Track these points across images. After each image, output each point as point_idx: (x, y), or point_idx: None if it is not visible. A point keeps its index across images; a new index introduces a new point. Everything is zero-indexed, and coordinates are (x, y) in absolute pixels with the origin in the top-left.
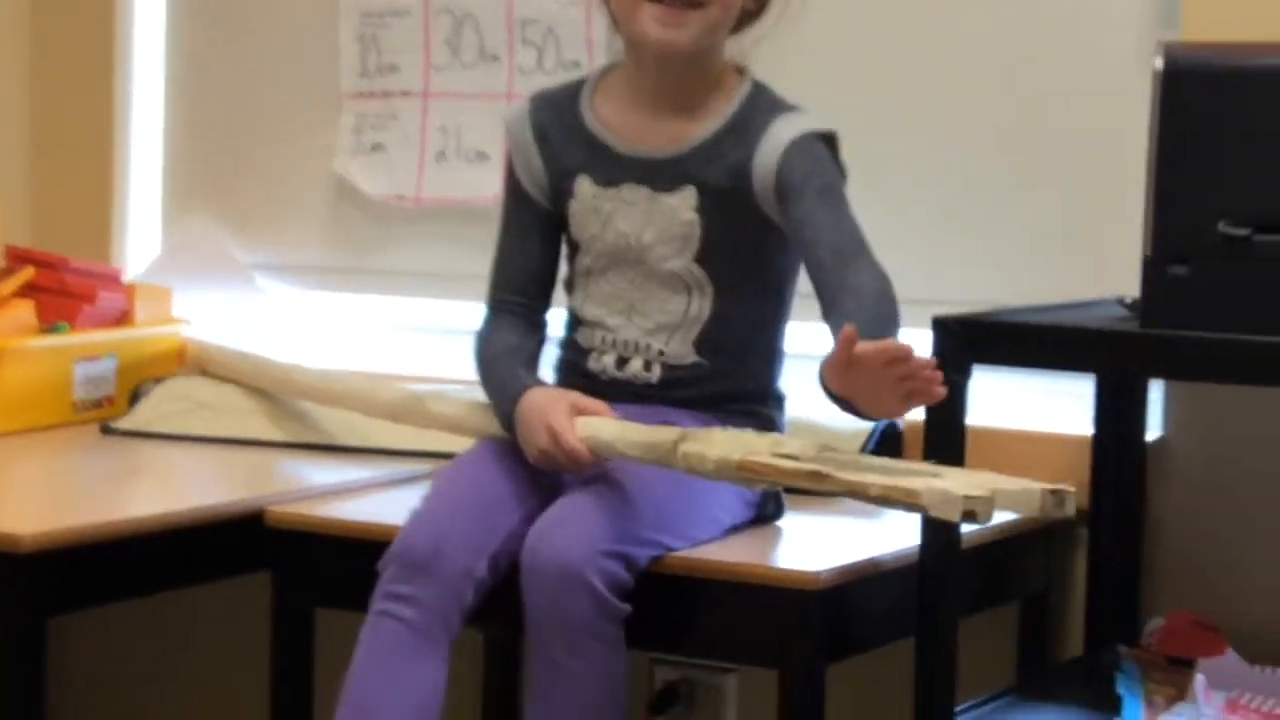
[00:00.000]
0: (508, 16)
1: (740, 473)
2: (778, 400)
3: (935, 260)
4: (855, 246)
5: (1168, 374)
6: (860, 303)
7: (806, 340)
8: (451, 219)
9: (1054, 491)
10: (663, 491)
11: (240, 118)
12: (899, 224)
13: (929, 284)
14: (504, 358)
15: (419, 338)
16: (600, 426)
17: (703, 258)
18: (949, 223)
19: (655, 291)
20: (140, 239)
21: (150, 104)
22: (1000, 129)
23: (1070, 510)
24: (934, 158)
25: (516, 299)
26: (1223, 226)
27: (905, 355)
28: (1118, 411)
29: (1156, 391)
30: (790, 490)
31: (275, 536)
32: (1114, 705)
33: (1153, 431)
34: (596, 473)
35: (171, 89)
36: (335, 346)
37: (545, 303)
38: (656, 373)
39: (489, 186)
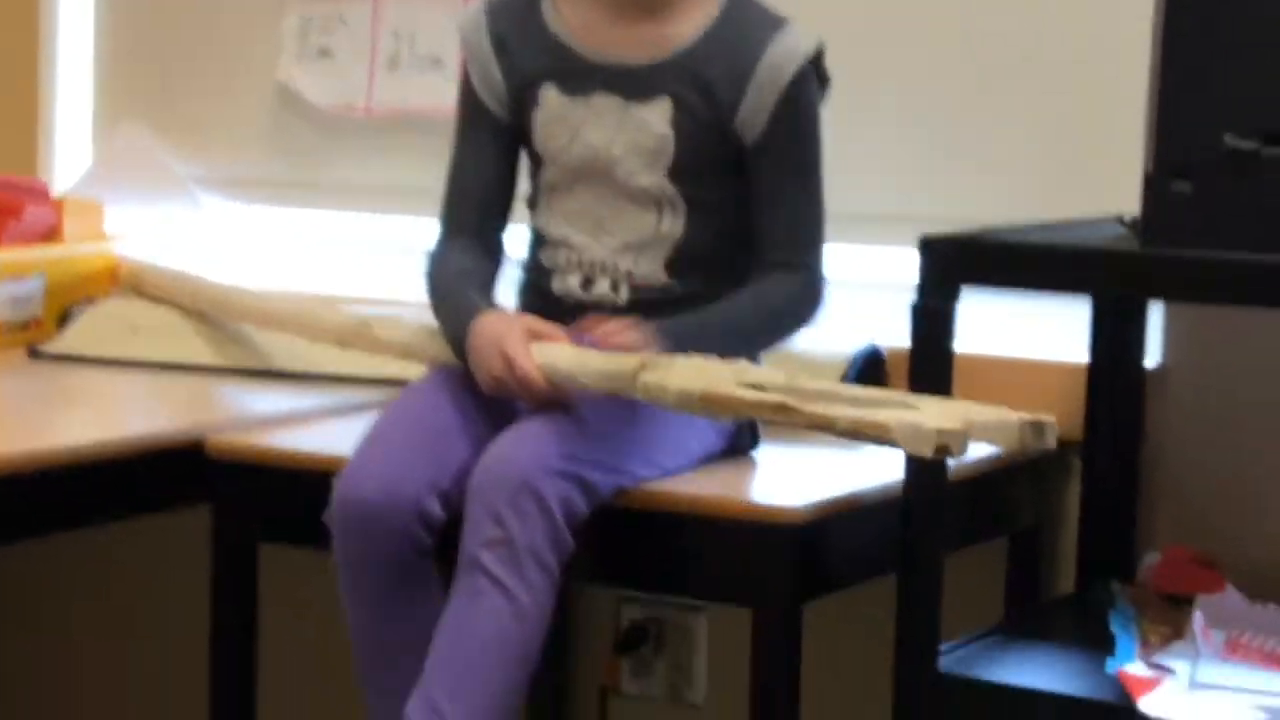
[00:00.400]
0: None
1: (702, 404)
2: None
3: (923, 177)
4: (803, 246)
5: (1168, 296)
6: (749, 303)
7: None
8: (404, 130)
9: (1034, 423)
10: (626, 416)
11: (177, 20)
12: (886, 138)
13: (916, 201)
14: (457, 280)
15: (369, 256)
16: (558, 354)
17: (675, 174)
18: (938, 137)
19: (624, 208)
20: (69, 151)
21: (79, 4)
22: (995, 38)
23: (1051, 443)
24: (924, 69)
25: (472, 218)
26: (1228, 139)
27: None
28: (1115, 337)
29: (1156, 316)
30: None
31: (216, 467)
32: (1107, 644)
33: (1152, 358)
34: (553, 400)
35: None
36: (279, 265)
37: (503, 222)
38: (624, 294)
39: (445, 95)
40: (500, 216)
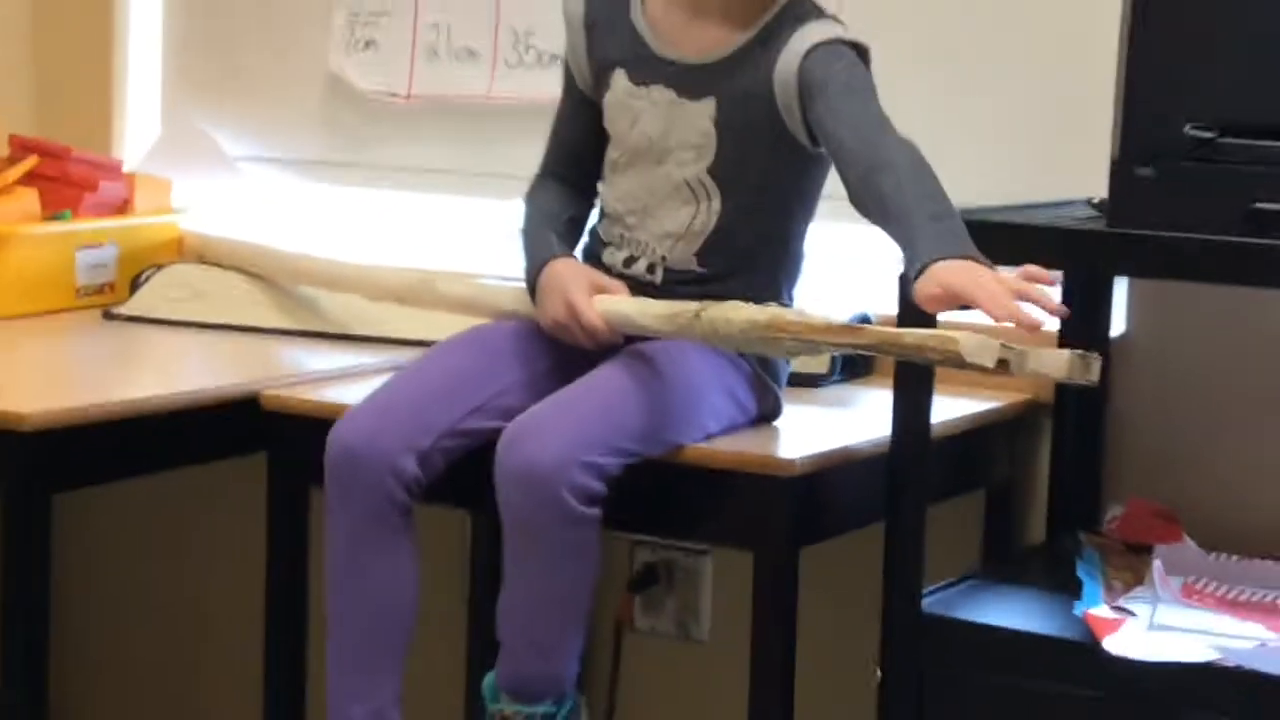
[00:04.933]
0: None
1: (769, 330)
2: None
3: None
4: (878, 126)
5: (1132, 272)
6: (899, 178)
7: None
8: (441, 115)
9: (1083, 356)
10: (647, 401)
11: (236, 13)
12: None
13: None
14: (540, 221)
15: (408, 231)
16: (619, 302)
17: (715, 169)
18: (924, 127)
19: (667, 198)
20: (141, 130)
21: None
22: (973, 32)
23: (1095, 377)
24: (908, 62)
25: (563, 164)
26: (1189, 129)
27: (996, 303)
28: (1084, 309)
29: (1121, 290)
30: (797, 383)
31: (270, 419)
32: (1074, 589)
33: (1116, 328)
34: (610, 349)
35: None
36: (328, 238)
37: (592, 170)
38: (659, 276)
39: (478, 84)
40: (589, 167)
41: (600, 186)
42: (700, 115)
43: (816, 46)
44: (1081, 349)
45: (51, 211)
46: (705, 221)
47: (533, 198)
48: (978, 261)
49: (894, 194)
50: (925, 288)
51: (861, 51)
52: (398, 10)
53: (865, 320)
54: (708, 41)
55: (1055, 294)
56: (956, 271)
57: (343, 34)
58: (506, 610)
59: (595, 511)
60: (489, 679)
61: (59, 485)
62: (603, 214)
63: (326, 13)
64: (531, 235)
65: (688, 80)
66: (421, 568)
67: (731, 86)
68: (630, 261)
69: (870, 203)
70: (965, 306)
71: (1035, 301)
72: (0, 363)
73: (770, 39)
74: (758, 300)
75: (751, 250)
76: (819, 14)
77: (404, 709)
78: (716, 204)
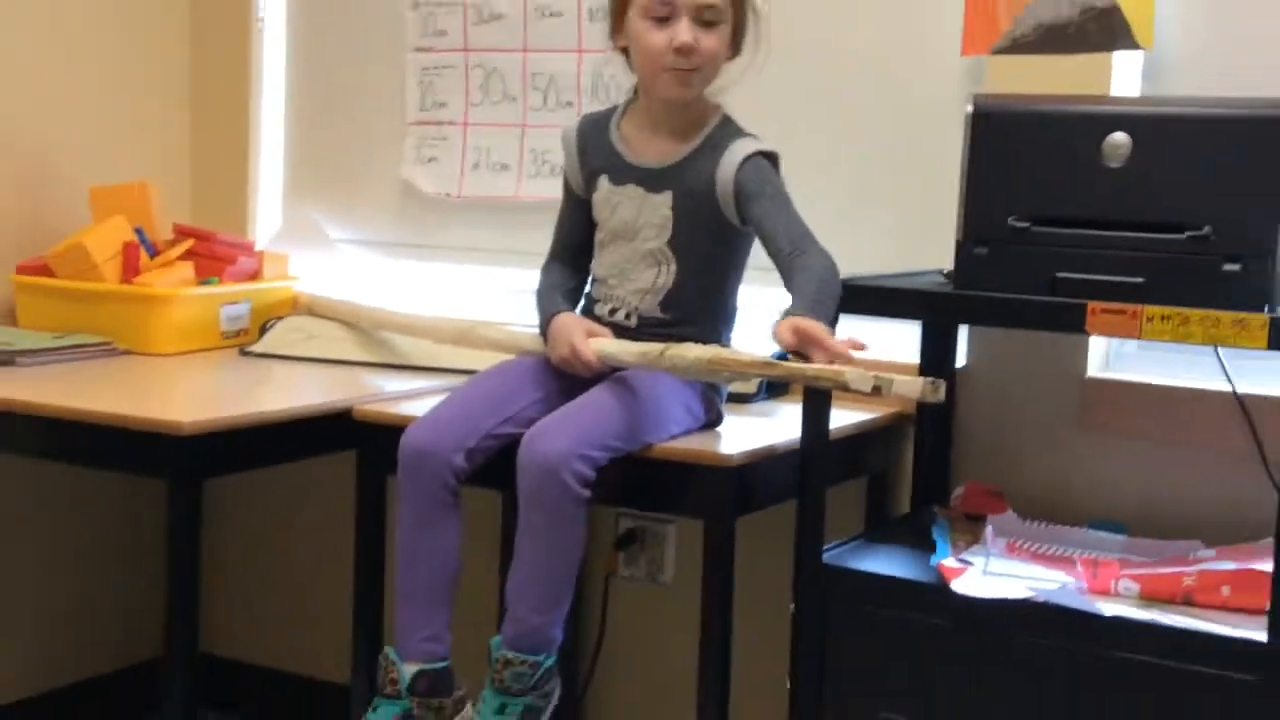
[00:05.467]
0: (522, 70)
1: (712, 365)
2: (725, 340)
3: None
4: (805, 237)
5: (970, 321)
6: (808, 279)
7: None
8: (482, 209)
9: (932, 382)
10: (627, 412)
11: (338, 135)
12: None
13: None
14: (549, 289)
15: (461, 291)
16: (607, 343)
17: (672, 242)
18: (834, 221)
19: (638, 264)
20: (267, 219)
21: (275, 125)
22: (865, 157)
23: (941, 397)
24: (823, 174)
25: (563, 250)
26: (1010, 221)
27: (826, 344)
28: (937, 347)
29: (964, 334)
30: (734, 400)
31: (359, 426)
32: (930, 547)
33: (960, 361)
34: (601, 375)
35: (290, 115)
36: (402, 297)
37: (586, 257)
38: (634, 321)
39: (509, 188)
40: (583, 250)
41: (593, 262)
42: (661, 204)
43: (747, 159)
44: (933, 378)
45: (203, 278)
46: (666, 280)
47: (544, 273)
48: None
49: (801, 283)
50: (780, 326)
51: (774, 159)
52: (452, 136)
53: (782, 357)
54: (664, 152)
55: (866, 353)
56: (805, 320)
57: (413, 152)
58: (514, 582)
59: (587, 493)
60: (495, 640)
61: (207, 473)
62: (594, 279)
63: (401, 136)
64: (543, 297)
65: (651, 179)
66: (465, 534)
67: (683, 183)
68: (613, 311)
69: (787, 281)
70: (800, 352)
71: (853, 348)
72: (166, 386)
73: (709, 150)
74: (705, 339)
75: (699, 302)
76: (741, 133)
77: (453, 634)
78: (673, 268)
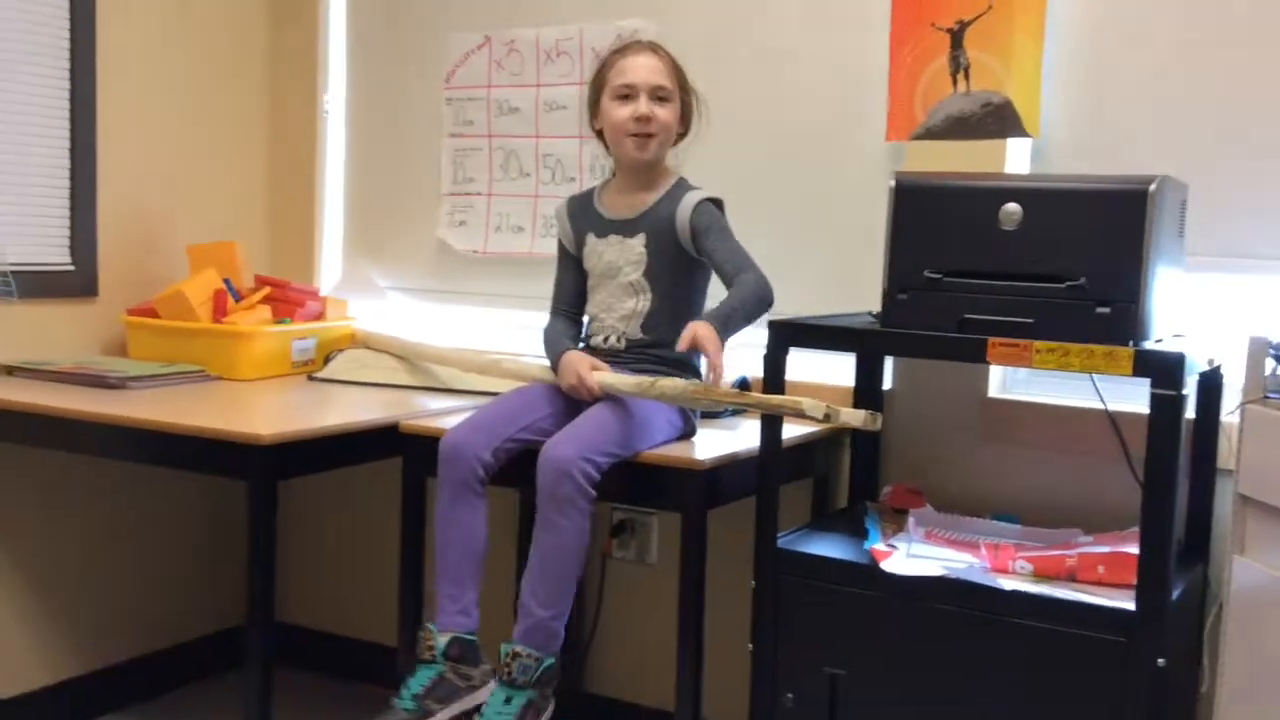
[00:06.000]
0: (535, 152)
1: (692, 395)
2: (695, 362)
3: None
4: (744, 261)
5: (895, 353)
6: (733, 296)
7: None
8: (503, 264)
9: (873, 414)
10: (623, 426)
11: (388, 204)
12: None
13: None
14: (556, 334)
15: (485, 331)
16: (607, 375)
17: (647, 274)
18: (784, 269)
19: (620, 295)
20: (330, 271)
21: (337, 195)
22: (808, 221)
23: (879, 426)
24: (773, 234)
25: (564, 307)
26: (926, 273)
27: (708, 354)
28: (868, 373)
29: (890, 363)
30: (706, 415)
31: (405, 438)
32: (864, 534)
33: (887, 384)
34: (599, 400)
35: (349, 187)
36: (439, 335)
37: (580, 309)
38: (623, 344)
39: (524, 247)
40: (578, 305)
41: (587, 304)
42: (636, 244)
43: (699, 203)
44: (872, 411)
45: (278, 318)
46: (643, 308)
47: (550, 325)
48: (719, 334)
49: (727, 298)
50: (686, 329)
51: (719, 204)
52: (478, 205)
53: (745, 383)
54: (635, 204)
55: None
56: (703, 329)
57: (447, 217)
58: (528, 579)
59: (593, 492)
60: (505, 645)
61: (282, 476)
62: (589, 318)
63: (437, 205)
64: (551, 341)
65: (627, 227)
66: (490, 523)
67: (652, 227)
68: (605, 340)
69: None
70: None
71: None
72: (248, 406)
73: (669, 200)
74: (678, 359)
75: (669, 320)
76: (690, 186)
77: (480, 608)
78: (649, 296)
